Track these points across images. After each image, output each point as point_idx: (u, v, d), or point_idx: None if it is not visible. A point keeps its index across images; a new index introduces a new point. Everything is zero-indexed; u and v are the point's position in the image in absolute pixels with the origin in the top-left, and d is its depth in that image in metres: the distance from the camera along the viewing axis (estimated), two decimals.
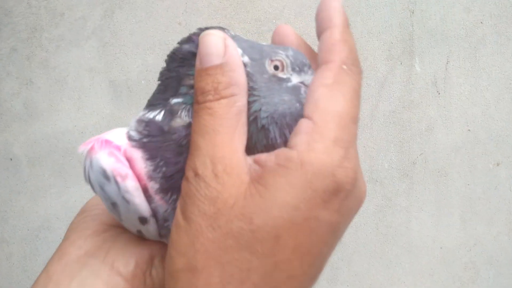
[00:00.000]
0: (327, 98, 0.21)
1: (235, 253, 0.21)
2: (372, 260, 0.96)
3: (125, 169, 0.24)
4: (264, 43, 0.26)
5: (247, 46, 0.25)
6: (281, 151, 0.22)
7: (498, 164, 0.95)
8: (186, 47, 0.28)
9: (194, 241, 0.21)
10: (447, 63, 0.92)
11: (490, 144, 0.94)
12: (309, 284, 0.23)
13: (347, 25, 0.23)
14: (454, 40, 0.91)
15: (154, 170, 0.25)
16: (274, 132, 0.23)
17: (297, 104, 0.24)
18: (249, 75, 0.24)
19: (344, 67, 0.22)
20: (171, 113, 0.25)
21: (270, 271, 0.21)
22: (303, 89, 0.25)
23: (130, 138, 0.25)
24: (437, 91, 0.93)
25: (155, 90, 0.29)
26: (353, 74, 0.22)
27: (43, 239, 0.98)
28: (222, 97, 0.22)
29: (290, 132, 0.23)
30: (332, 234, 0.22)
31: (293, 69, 0.25)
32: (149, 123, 0.26)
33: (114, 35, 0.92)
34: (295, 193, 0.20)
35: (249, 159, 0.22)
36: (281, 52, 0.25)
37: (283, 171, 0.21)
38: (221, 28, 0.25)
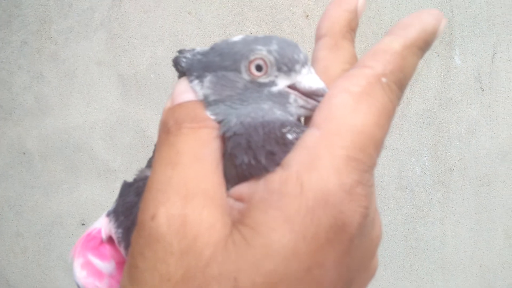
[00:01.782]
0: (348, 108, 0.17)
1: None
2: (400, 275, 0.90)
3: (96, 283, 0.22)
4: (237, 38, 0.20)
5: (214, 57, 0.20)
6: (274, 174, 0.17)
7: None
8: None
9: None
10: (493, 55, 0.82)
11: None
12: None
13: (421, 43, 0.19)
14: (502, 27, 0.81)
15: (127, 240, 0.21)
16: (245, 157, 0.18)
17: (278, 113, 0.19)
18: (214, 103, 0.19)
19: (384, 80, 0.18)
20: (142, 171, 0.23)
21: None
22: (292, 96, 0.19)
23: (107, 212, 0.23)
24: (481, 88, 0.83)
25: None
26: (391, 92, 0.18)
27: (55, 234, 1.00)
28: (202, 127, 0.19)
29: (274, 154, 0.18)
30: (342, 285, 0.17)
31: (279, 69, 0.19)
32: (122, 185, 0.23)
33: (122, 26, 0.90)
34: (294, 231, 0.16)
35: (229, 199, 0.18)
36: (260, 47, 0.19)
37: (277, 200, 0.16)
38: (186, 50, 0.22)
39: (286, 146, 0.18)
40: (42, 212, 1.00)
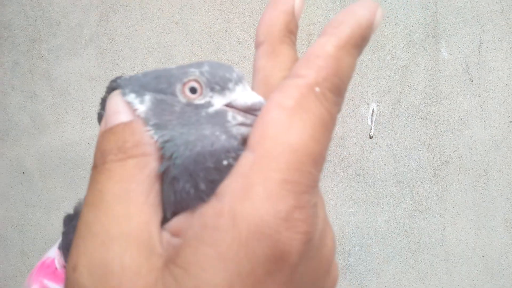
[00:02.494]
0: (281, 125, 0.16)
1: None
2: (403, 270, 0.90)
3: None
4: (174, 66, 0.21)
5: (151, 79, 0.20)
6: (208, 205, 0.16)
7: None
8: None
9: None
10: (480, 45, 0.82)
11: None
12: None
13: (356, 40, 0.18)
14: (487, 17, 0.80)
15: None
16: (186, 184, 0.17)
17: (223, 137, 0.18)
18: (155, 127, 0.19)
19: (317, 89, 0.17)
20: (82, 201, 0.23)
21: None
22: (230, 113, 0.19)
23: (58, 245, 0.23)
24: (470, 79, 0.83)
25: None
26: (326, 101, 0.17)
27: None
28: (129, 157, 0.17)
29: (213, 184, 0.17)
30: None
31: (212, 89, 0.19)
32: (64, 218, 0.23)
33: (111, 40, 0.91)
34: (227, 269, 0.15)
35: (166, 234, 0.17)
36: (192, 70, 0.19)
37: (210, 236, 0.15)
38: (115, 80, 0.21)
39: (226, 174, 0.17)
40: (45, 230, 1.01)
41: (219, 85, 0.19)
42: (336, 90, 0.17)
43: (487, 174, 0.85)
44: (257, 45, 0.20)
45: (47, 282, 0.22)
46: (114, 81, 0.21)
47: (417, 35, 0.82)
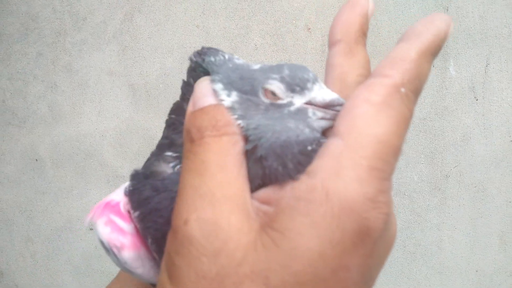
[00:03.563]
0: (369, 118, 0.17)
1: None
2: (398, 280, 0.89)
3: (120, 239, 0.22)
4: (256, 67, 0.22)
5: (237, 78, 0.21)
6: (300, 182, 0.17)
7: None
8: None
9: None
10: (486, 66, 0.83)
11: None
12: None
13: (434, 49, 0.19)
14: (495, 40, 0.81)
15: (142, 224, 0.22)
16: (274, 162, 0.19)
17: (306, 130, 0.20)
18: (241, 117, 0.20)
19: (402, 90, 0.18)
20: (158, 161, 0.23)
21: None
22: (310, 110, 0.20)
23: (125, 191, 0.24)
24: (475, 97, 0.83)
25: (158, 142, 0.26)
26: (408, 101, 0.18)
27: (64, 239, 1.00)
28: (223, 134, 0.19)
29: (300, 165, 0.18)
30: (363, 284, 0.18)
31: (293, 90, 0.20)
32: (135, 173, 0.24)
33: (134, 38, 0.92)
34: (320, 236, 0.16)
35: (254, 201, 0.18)
36: (274, 76, 0.21)
37: (304, 207, 0.17)
38: (216, 50, 0.23)
39: (311, 157, 0.19)
40: (52, 217, 1.00)
41: (299, 86, 0.20)
42: (416, 91, 0.18)
43: (485, 191, 0.85)
44: (333, 43, 0.21)
45: (113, 217, 0.23)
46: (202, 59, 0.22)
47: None
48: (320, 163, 0.17)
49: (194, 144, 0.19)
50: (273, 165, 0.19)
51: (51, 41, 0.94)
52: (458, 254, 0.87)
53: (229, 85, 0.21)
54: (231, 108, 0.20)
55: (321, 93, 0.20)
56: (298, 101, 0.20)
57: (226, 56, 0.22)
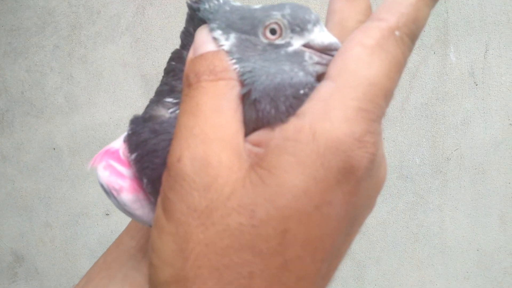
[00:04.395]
0: (361, 60, 0.17)
1: (233, 255, 0.17)
2: (402, 260, 0.91)
3: (119, 181, 0.22)
4: (257, 6, 0.21)
5: (236, 19, 0.21)
6: (289, 123, 0.18)
7: None
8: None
9: (183, 247, 0.17)
10: (485, 52, 0.83)
11: None
12: (322, 284, 0.19)
13: None
14: (493, 26, 0.83)
15: (139, 165, 0.22)
16: (267, 105, 0.19)
17: (301, 74, 0.19)
18: (238, 60, 0.20)
19: (397, 33, 0.18)
20: (157, 106, 0.23)
21: (277, 273, 0.17)
22: (307, 54, 0.20)
23: (124, 138, 0.24)
24: (475, 82, 0.84)
25: (157, 89, 0.26)
26: (403, 45, 0.18)
27: (82, 224, 1.02)
28: (220, 79, 0.19)
29: (291, 108, 0.19)
30: (347, 222, 0.18)
31: (293, 30, 0.20)
32: (134, 118, 0.24)
33: (146, 30, 0.94)
34: (305, 173, 0.17)
35: (247, 144, 0.19)
36: (275, 13, 0.20)
37: (291, 147, 0.17)
38: (197, 7, 0.22)
39: (303, 101, 0.19)
40: (70, 203, 1.02)
41: (299, 26, 0.20)
42: (412, 36, 0.18)
43: (485, 173, 0.86)
44: None
45: (112, 162, 0.23)
46: (196, 7, 0.22)
47: (428, 40, 0.84)
48: (309, 105, 0.18)
49: (191, 88, 0.19)
50: (266, 108, 0.19)
51: (67, 34, 0.97)
52: (459, 234, 0.88)
53: (228, 28, 0.21)
54: (229, 52, 0.20)
55: (321, 35, 0.20)
56: (297, 42, 0.20)
57: (221, 0, 0.22)
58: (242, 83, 0.20)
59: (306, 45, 0.20)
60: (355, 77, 0.17)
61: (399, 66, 0.18)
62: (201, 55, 0.20)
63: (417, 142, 0.87)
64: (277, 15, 0.20)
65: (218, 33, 0.21)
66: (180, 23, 0.92)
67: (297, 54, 0.20)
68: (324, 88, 0.18)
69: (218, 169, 0.17)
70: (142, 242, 0.27)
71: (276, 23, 0.20)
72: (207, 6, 0.22)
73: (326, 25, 0.22)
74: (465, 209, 0.88)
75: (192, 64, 0.20)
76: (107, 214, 1.03)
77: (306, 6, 0.21)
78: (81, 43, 0.96)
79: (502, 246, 0.88)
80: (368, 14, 0.21)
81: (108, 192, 0.23)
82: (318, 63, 0.20)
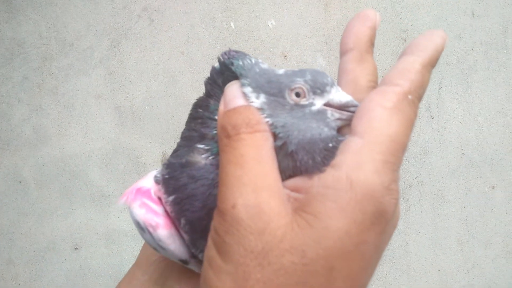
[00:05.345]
0: (384, 120, 0.20)
1: None
2: (371, 282, 0.94)
3: (155, 219, 0.24)
4: (281, 72, 0.24)
5: (264, 82, 0.23)
6: (327, 173, 0.20)
7: (493, 187, 0.93)
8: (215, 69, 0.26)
9: (242, 285, 0.19)
10: (439, 89, 0.90)
11: (485, 167, 0.92)
12: None
13: (433, 61, 0.22)
14: (446, 66, 0.90)
15: (178, 208, 0.23)
16: (304, 157, 0.21)
17: (326, 129, 0.22)
18: (269, 116, 0.22)
19: (410, 97, 0.21)
20: (192, 152, 0.25)
21: None
22: (329, 112, 0.23)
23: (155, 179, 0.25)
24: (431, 116, 0.91)
25: (183, 133, 0.28)
26: (414, 106, 0.21)
27: (48, 260, 0.97)
28: (256, 131, 0.21)
29: (325, 159, 0.21)
30: (376, 256, 0.21)
31: (314, 93, 0.23)
32: (169, 163, 0.25)
33: (120, 63, 0.93)
34: (346, 217, 0.19)
35: (285, 190, 0.21)
36: (298, 79, 0.23)
37: (332, 194, 0.19)
38: (243, 54, 0.25)
39: (334, 154, 0.21)
40: (35, 238, 0.97)
41: (319, 89, 0.23)
42: (420, 97, 0.22)
43: (443, 198, 0.92)
44: (345, 51, 0.24)
45: (146, 201, 0.24)
46: (230, 62, 0.24)
47: None
48: (343, 157, 0.20)
49: (232, 140, 0.21)
50: (303, 159, 0.21)
51: (37, 66, 0.94)
52: (422, 256, 0.93)
53: (258, 88, 0.23)
54: (260, 109, 0.22)
55: (338, 95, 0.23)
56: (319, 102, 0.23)
57: (253, 60, 0.24)
58: (275, 136, 0.22)
59: (326, 104, 0.23)
60: (379, 135, 0.20)
61: (412, 123, 0.21)
62: (235, 109, 0.22)
63: None
64: (300, 81, 0.23)
65: (248, 90, 0.23)
66: (155, 57, 0.93)
67: (321, 113, 0.23)
68: (354, 143, 0.20)
69: (269, 214, 0.19)
70: (155, 276, 0.29)
71: (300, 87, 0.23)
72: (241, 63, 0.24)
73: (339, 83, 0.24)
74: (427, 232, 0.92)
75: (227, 117, 0.22)
76: (76, 249, 0.99)
77: (323, 71, 0.24)
78: (52, 75, 0.94)
79: (460, 265, 0.93)
80: (375, 73, 0.24)
81: (144, 229, 0.24)
82: (339, 119, 0.23)
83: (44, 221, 0.96)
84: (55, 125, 0.94)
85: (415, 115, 0.21)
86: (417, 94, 0.21)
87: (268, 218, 0.19)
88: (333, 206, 0.19)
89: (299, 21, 0.92)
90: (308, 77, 0.23)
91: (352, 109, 0.23)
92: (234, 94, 0.22)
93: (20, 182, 0.96)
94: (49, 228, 0.96)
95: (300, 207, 0.20)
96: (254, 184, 0.20)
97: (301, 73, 0.23)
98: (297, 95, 0.23)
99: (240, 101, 0.22)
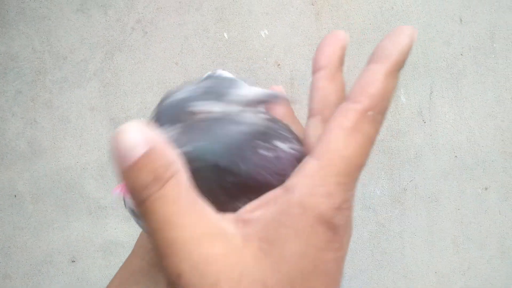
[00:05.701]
0: (340, 141, 0.19)
1: None
2: (369, 285, 0.93)
3: None
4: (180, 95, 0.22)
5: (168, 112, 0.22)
6: (281, 197, 0.20)
7: (486, 189, 0.94)
8: None
9: None
10: (430, 94, 0.91)
11: (477, 169, 0.93)
12: None
13: (400, 65, 0.20)
14: (436, 71, 0.91)
15: None
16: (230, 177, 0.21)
17: (243, 127, 0.21)
18: (179, 144, 0.21)
19: (370, 113, 0.20)
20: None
21: None
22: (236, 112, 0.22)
23: None
24: (423, 120, 0.92)
25: None
26: (375, 122, 0.20)
27: (45, 273, 0.96)
28: (166, 181, 0.18)
29: (277, 175, 0.21)
30: (338, 270, 0.21)
31: (216, 99, 0.22)
32: None
33: (115, 75, 0.93)
34: (301, 242, 0.19)
35: (229, 215, 0.20)
36: (194, 100, 0.22)
37: (287, 220, 0.19)
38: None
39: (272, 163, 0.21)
40: (32, 252, 0.96)
41: (218, 93, 0.22)
42: (383, 110, 0.20)
43: (438, 201, 0.93)
44: (317, 69, 0.24)
45: None
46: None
47: None
48: (297, 180, 0.20)
49: (146, 206, 0.19)
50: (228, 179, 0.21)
51: (30, 80, 0.94)
52: (418, 259, 0.93)
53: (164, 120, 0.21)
54: (170, 139, 0.20)
55: (242, 91, 0.22)
56: (223, 107, 0.21)
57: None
58: (189, 162, 0.20)
59: (234, 103, 0.22)
60: (335, 157, 0.19)
61: (371, 142, 0.20)
62: (137, 163, 0.18)
63: (377, 175, 0.92)
64: (195, 98, 0.22)
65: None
66: (149, 68, 0.93)
67: (228, 117, 0.22)
68: (309, 165, 0.20)
69: (217, 263, 0.18)
70: (152, 261, 0.29)
71: (197, 105, 0.21)
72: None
73: (310, 99, 0.24)
74: (422, 235, 0.93)
75: (131, 179, 0.18)
76: (73, 261, 0.98)
77: (223, 77, 0.24)
78: (46, 88, 0.94)
79: (456, 267, 0.93)
80: (344, 90, 0.23)
81: (138, 215, 0.23)
82: (257, 112, 0.22)
83: (41, 235, 0.95)
84: (50, 138, 0.94)
85: (376, 131, 0.20)
86: (379, 108, 0.20)
87: (217, 268, 0.18)
88: (288, 232, 0.19)
89: (292, 30, 0.93)
90: (202, 89, 0.22)
91: (264, 99, 0.22)
92: (128, 142, 0.18)
93: (15, 196, 0.95)
94: (45, 241, 0.95)
95: (253, 234, 0.19)
96: (191, 240, 0.18)
97: (196, 89, 0.22)
98: (193, 113, 0.21)
99: (139, 151, 0.18)
